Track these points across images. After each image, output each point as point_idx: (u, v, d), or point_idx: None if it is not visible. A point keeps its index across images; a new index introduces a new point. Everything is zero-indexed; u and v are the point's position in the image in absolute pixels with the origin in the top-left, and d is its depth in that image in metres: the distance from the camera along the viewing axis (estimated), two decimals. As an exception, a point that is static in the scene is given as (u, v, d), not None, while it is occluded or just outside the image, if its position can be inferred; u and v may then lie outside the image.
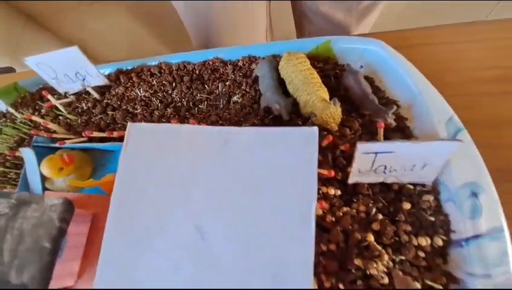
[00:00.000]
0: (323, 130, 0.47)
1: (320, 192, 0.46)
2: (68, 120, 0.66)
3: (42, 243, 0.40)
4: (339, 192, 0.48)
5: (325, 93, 0.45)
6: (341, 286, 0.43)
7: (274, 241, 0.34)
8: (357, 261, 0.42)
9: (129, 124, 0.41)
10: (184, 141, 0.39)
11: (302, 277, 0.32)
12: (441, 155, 0.38)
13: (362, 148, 0.38)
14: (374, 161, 0.42)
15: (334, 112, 0.42)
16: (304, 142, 0.36)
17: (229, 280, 0.34)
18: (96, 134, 0.55)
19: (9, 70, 0.98)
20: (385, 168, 0.43)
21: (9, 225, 0.38)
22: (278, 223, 0.34)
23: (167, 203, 0.37)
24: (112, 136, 0.54)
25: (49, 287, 0.45)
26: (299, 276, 0.32)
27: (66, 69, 0.58)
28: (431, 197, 0.44)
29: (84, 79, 0.61)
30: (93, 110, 0.65)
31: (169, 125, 0.41)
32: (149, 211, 0.37)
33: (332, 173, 0.41)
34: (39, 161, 0.58)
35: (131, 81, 0.66)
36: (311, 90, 0.44)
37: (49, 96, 0.62)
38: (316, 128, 0.35)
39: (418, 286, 0.37)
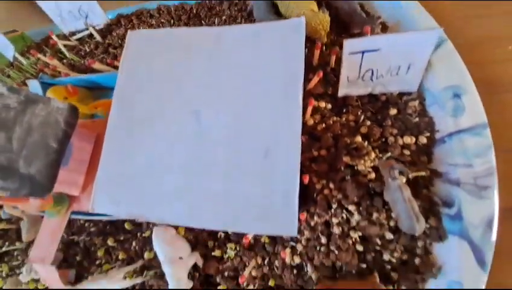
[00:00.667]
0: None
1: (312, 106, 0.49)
2: (72, 61, 0.68)
3: (49, 142, 0.43)
4: (329, 106, 0.50)
5: (314, 6, 0.47)
6: (331, 185, 0.45)
7: (265, 121, 0.36)
8: (346, 159, 0.44)
9: (129, 32, 0.44)
10: (180, 41, 0.41)
11: (291, 152, 0.35)
12: (423, 50, 0.40)
13: (349, 45, 0.40)
14: (361, 65, 0.44)
15: (322, 19, 0.44)
16: (291, 31, 0.38)
17: (224, 158, 0.36)
18: (98, 64, 0.58)
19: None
20: (372, 74, 0.45)
21: (18, 117, 0.41)
22: (268, 105, 0.37)
23: (165, 94, 0.40)
24: (113, 64, 0.57)
25: (56, 191, 0.48)
26: (288, 151, 0.35)
27: (69, 5, 0.61)
28: (416, 102, 0.46)
29: (86, 16, 0.64)
30: (95, 51, 0.68)
31: (166, 29, 0.43)
32: (148, 101, 0.40)
33: (321, 74, 0.43)
34: (44, 94, 0.61)
35: (131, 23, 0.69)
36: (301, 4, 0.46)
37: (54, 36, 0.65)
38: (303, 18, 0.37)
39: (402, 166, 0.39)
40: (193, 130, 0.37)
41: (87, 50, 0.69)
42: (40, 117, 0.42)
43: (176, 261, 0.45)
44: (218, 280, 0.46)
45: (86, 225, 0.57)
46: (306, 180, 0.38)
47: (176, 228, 0.50)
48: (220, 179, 0.34)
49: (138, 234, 0.53)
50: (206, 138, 0.36)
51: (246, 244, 0.41)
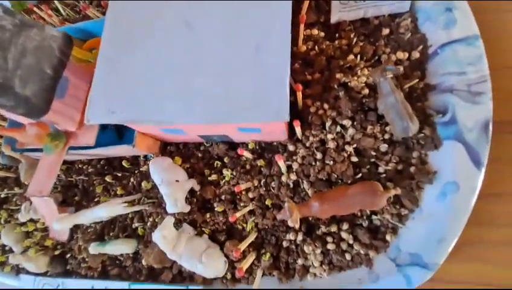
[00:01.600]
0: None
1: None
2: (68, 17, 0.69)
3: (43, 67, 0.43)
4: (322, 33, 0.50)
5: None
6: (326, 106, 0.45)
7: (255, 19, 0.36)
8: (339, 76, 0.44)
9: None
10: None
11: (281, 45, 0.35)
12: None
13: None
14: (352, -19, 0.44)
15: None
16: None
17: (216, 57, 0.36)
18: (91, 9, 0.58)
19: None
20: (364, -8, 0.45)
21: (13, 39, 0.41)
22: (258, 3, 0.36)
23: (158, 7, 0.40)
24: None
25: (52, 121, 0.48)
26: (279, 45, 0.35)
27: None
28: (408, 21, 0.46)
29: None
30: (91, 4, 0.68)
31: None
32: (140, 16, 0.40)
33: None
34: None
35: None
36: None
37: (48, -9, 0.66)
38: None
39: (394, 66, 0.39)
40: (185, 35, 0.37)
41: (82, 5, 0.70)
42: (34, 41, 0.43)
43: (172, 183, 0.45)
44: (215, 205, 0.47)
45: (84, 167, 0.57)
46: (299, 88, 0.39)
47: (173, 158, 0.50)
48: (213, 77, 0.34)
49: (136, 171, 0.54)
50: (198, 40, 0.36)
51: (240, 152, 0.42)
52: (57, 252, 0.53)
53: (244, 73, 0.33)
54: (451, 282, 0.39)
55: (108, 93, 0.39)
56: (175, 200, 0.43)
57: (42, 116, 0.42)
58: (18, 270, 0.56)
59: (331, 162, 0.41)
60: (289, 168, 0.44)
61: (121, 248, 0.47)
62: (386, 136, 0.42)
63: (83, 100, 0.55)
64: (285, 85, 0.32)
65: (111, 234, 0.51)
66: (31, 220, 0.55)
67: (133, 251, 0.48)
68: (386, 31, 0.46)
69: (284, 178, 0.44)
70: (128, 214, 0.51)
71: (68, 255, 0.53)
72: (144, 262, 0.47)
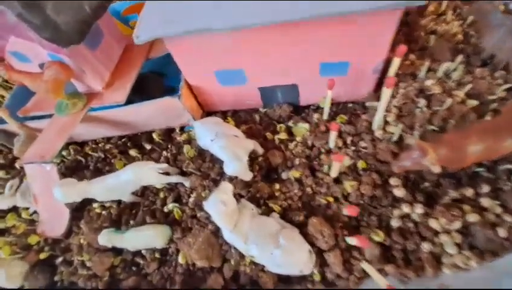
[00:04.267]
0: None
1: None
2: None
3: (83, 4, 0.36)
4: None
5: None
6: (412, 57, 0.38)
7: None
8: (425, 22, 0.38)
9: None
10: None
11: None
12: None
13: None
14: None
15: None
16: None
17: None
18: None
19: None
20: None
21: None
22: None
23: None
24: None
25: (80, 68, 0.38)
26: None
27: None
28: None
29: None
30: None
31: None
32: None
33: None
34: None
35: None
36: None
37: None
38: None
39: None
40: None
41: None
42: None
43: (230, 136, 0.33)
44: (285, 174, 0.34)
45: (100, 145, 0.44)
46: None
47: (225, 118, 0.40)
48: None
49: (169, 146, 0.41)
50: None
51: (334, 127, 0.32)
52: (42, 256, 0.36)
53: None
54: None
55: (165, 4, 0.31)
56: (235, 155, 0.31)
57: (71, 44, 0.33)
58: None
59: (441, 107, 0.32)
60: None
61: (147, 236, 0.31)
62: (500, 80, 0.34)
63: (114, 61, 0.46)
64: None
65: (131, 222, 0.36)
66: (14, 210, 0.40)
67: (165, 241, 0.33)
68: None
69: (378, 133, 0.33)
70: (158, 192, 0.37)
71: (59, 260, 0.36)
72: (180, 259, 0.31)
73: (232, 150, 0.31)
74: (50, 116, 0.43)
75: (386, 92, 0.28)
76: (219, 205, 0.27)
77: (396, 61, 0.31)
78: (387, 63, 0.33)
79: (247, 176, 0.32)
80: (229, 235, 0.28)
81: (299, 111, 0.41)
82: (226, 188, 0.30)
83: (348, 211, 0.28)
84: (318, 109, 0.40)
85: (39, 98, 0.46)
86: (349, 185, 0.31)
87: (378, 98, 0.36)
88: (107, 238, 0.31)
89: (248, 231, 0.28)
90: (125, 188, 0.33)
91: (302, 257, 0.28)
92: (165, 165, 0.34)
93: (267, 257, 0.28)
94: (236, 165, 0.30)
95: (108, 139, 0.46)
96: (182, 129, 0.43)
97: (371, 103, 0.37)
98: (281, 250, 0.27)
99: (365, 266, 0.28)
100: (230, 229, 0.28)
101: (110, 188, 0.33)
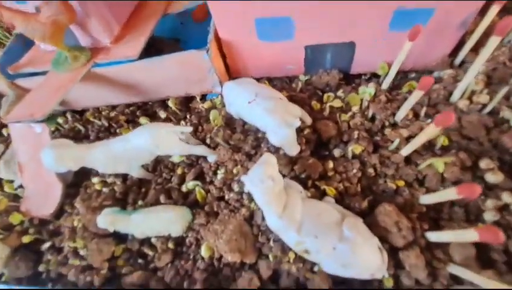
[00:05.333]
0: None
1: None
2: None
3: None
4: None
5: None
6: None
7: None
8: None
9: None
10: None
11: None
12: None
13: None
14: None
15: None
16: None
17: None
18: None
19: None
20: None
21: None
22: None
23: None
24: None
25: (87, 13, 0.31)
26: None
27: None
28: None
29: None
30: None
31: None
32: None
33: None
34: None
35: None
36: None
37: None
38: None
39: None
40: None
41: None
42: None
43: (274, 98, 0.26)
44: (336, 152, 0.27)
45: (104, 113, 0.37)
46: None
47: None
48: None
49: (188, 115, 0.34)
50: None
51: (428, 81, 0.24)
52: (26, 239, 0.28)
53: None
54: None
55: None
56: (284, 120, 0.24)
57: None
58: None
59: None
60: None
61: (161, 220, 0.24)
62: None
63: (127, 15, 0.39)
64: None
65: (139, 203, 0.28)
66: None
67: (183, 228, 0.25)
68: None
69: (462, 104, 0.26)
70: (174, 167, 0.29)
71: (46, 246, 0.28)
72: (203, 251, 0.24)
73: (280, 113, 0.24)
74: (44, 74, 0.36)
75: (494, 41, 0.21)
76: (266, 180, 0.20)
77: (494, 10, 0.25)
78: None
79: (295, 149, 0.25)
80: (275, 223, 0.21)
81: (349, 80, 0.34)
82: (272, 161, 0.22)
83: (459, 191, 0.19)
84: (371, 79, 0.33)
85: (33, 54, 0.39)
86: (437, 164, 0.24)
87: (451, 66, 0.30)
88: (109, 219, 0.24)
89: (301, 217, 0.21)
90: (136, 158, 0.26)
91: (373, 255, 0.21)
92: (190, 128, 0.27)
93: (327, 252, 0.20)
94: (286, 132, 0.23)
95: (113, 108, 0.39)
96: (203, 98, 0.36)
97: (442, 72, 0.30)
98: (347, 244, 0.20)
99: (456, 269, 0.21)
100: (278, 214, 0.21)
101: (116, 156, 0.25)
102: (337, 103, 0.29)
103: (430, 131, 0.22)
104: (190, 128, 0.27)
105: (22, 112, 0.29)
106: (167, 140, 0.25)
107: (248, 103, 0.26)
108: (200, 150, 0.27)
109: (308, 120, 0.28)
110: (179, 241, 0.27)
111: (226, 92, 0.30)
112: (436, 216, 0.24)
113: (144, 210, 0.25)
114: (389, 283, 0.22)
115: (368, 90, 0.28)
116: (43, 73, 0.36)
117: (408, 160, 0.26)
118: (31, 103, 0.30)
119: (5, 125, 0.40)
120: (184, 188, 0.28)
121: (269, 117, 0.24)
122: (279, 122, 0.24)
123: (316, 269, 0.23)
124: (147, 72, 0.34)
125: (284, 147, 0.25)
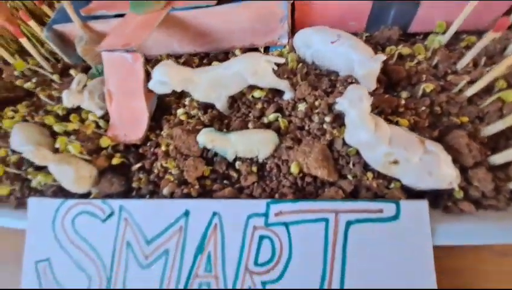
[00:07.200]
0: None
1: None
2: None
3: None
4: None
5: None
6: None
7: None
8: None
9: None
10: None
11: None
12: None
13: None
14: None
15: None
16: None
17: None
18: None
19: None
20: None
21: None
22: None
23: None
24: None
25: None
26: None
27: None
28: None
29: None
30: None
31: None
32: None
33: None
34: None
35: None
36: None
37: None
38: None
39: None
40: None
41: None
42: None
43: (355, 37, 0.29)
44: (403, 94, 0.30)
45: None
46: None
47: None
48: None
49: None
50: None
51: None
52: (115, 161, 0.30)
53: None
54: None
55: None
56: (370, 55, 0.27)
57: None
58: (22, 196, 0.32)
59: None
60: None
61: (255, 141, 0.27)
62: None
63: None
64: None
65: (224, 130, 0.31)
66: (77, 110, 0.34)
67: (271, 150, 0.28)
68: None
69: None
70: (252, 104, 0.32)
71: (136, 167, 0.31)
72: (293, 168, 0.27)
73: (366, 48, 0.27)
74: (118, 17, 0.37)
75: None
76: (365, 99, 0.23)
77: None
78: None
79: (373, 84, 0.28)
80: (370, 138, 0.24)
81: (407, 38, 0.37)
82: (360, 87, 0.25)
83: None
84: (425, 38, 0.37)
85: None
86: (505, 96, 0.27)
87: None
88: (210, 137, 0.26)
89: (390, 133, 0.25)
90: (231, 84, 0.29)
91: (451, 168, 0.24)
92: (283, 59, 0.29)
93: (414, 162, 0.24)
94: (372, 66, 0.26)
95: (176, 58, 0.41)
96: (266, 51, 0.39)
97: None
98: (432, 156, 0.24)
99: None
100: (373, 129, 0.24)
101: (215, 80, 0.28)
102: (406, 51, 0.32)
103: (501, 67, 0.25)
104: (283, 59, 0.30)
105: (116, 41, 0.31)
106: (264, 69, 0.28)
107: (331, 43, 0.29)
108: (284, 84, 0.30)
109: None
110: (260, 166, 0.30)
111: (301, 37, 0.32)
112: (495, 146, 0.28)
113: (237, 132, 0.28)
114: (459, 194, 0.25)
115: (437, 38, 0.31)
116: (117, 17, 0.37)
117: (470, 101, 0.29)
118: (122, 34, 0.31)
119: (71, 66, 0.42)
120: (265, 120, 0.31)
121: (356, 53, 0.27)
122: (367, 56, 0.27)
123: (392, 186, 0.27)
124: (221, 18, 0.36)
125: (365, 81, 0.28)
